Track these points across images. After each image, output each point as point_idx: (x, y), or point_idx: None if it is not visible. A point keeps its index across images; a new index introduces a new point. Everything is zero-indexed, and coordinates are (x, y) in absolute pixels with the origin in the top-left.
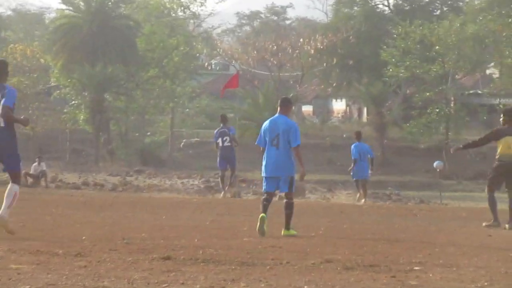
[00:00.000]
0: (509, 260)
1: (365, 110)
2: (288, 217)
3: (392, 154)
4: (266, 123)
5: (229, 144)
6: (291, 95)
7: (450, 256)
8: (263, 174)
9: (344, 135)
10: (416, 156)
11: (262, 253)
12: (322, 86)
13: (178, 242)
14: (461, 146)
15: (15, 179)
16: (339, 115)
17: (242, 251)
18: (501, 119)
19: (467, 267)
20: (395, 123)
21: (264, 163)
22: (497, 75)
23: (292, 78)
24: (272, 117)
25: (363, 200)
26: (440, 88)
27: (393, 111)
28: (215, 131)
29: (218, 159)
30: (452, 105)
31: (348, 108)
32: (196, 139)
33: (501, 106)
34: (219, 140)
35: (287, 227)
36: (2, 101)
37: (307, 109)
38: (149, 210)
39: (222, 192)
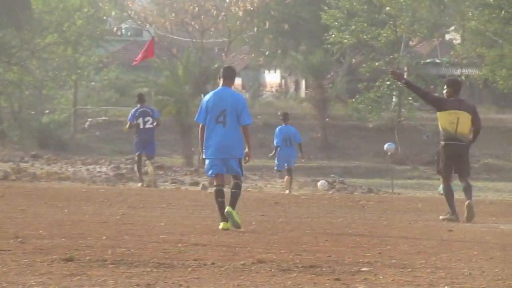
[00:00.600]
0: (473, 259)
1: (303, 83)
2: (235, 196)
3: (335, 135)
4: (208, 97)
5: (151, 126)
6: (215, 65)
7: (404, 255)
8: (207, 156)
9: (279, 113)
10: (363, 137)
11: (182, 252)
12: (253, 55)
13: (82, 241)
14: (403, 79)
15: None
16: (273, 89)
17: (159, 250)
18: (444, 91)
19: (424, 267)
20: (338, 98)
21: (207, 143)
22: (458, 41)
23: (217, 46)
24: (215, 90)
25: (287, 191)
26: (392, 56)
27: (336, 84)
28: (133, 110)
29: (135, 141)
30: (405, 76)
31: (283, 81)
32: (103, 118)
33: (463, 77)
34: (140, 121)
35: (233, 206)
36: None
37: (235, 82)
38: (48, 202)
39: (140, 183)
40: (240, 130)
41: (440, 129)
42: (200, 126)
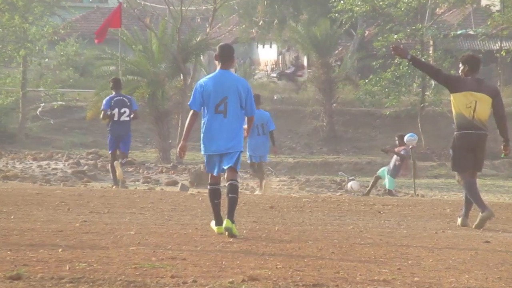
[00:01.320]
0: None
1: (305, 60)
2: (234, 203)
3: (343, 124)
4: (206, 82)
5: (127, 118)
6: (198, 38)
7: (428, 271)
8: (205, 152)
9: (276, 97)
10: (378, 127)
11: (157, 268)
12: (243, 26)
13: (33, 254)
14: (409, 55)
15: None
16: (268, 68)
17: (128, 265)
18: (460, 69)
19: (454, 287)
20: (348, 79)
21: (204, 136)
22: (497, 8)
23: (200, 15)
24: (213, 74)
25: (257, 192)
26: (414, 27)
27: (345, 62)
28: (107, 98)
29: (109, 137)
30: (431, 52)
31: (280, 57)
32: (59, 103)
33: (503, 53)
34: (115, 112)
35: (231, 217)
36: None
37: None
38: None
39: (114, 185)
40: (242, 121)
41: (454, 114)
42: (192, 112)
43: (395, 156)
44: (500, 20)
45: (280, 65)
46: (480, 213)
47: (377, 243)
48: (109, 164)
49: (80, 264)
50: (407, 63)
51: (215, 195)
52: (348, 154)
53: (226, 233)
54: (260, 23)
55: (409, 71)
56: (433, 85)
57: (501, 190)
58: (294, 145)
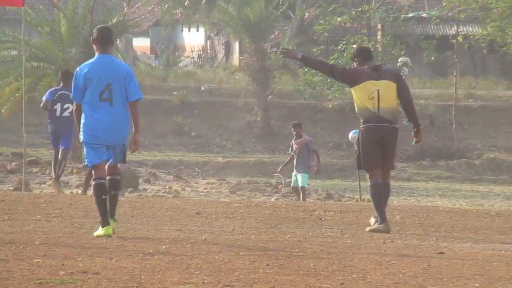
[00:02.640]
0: None
1: (236, 45)
2: (115, 200)
3: (280, 118)
4: (86, 68)
5: (68, 114)
6: (114, 20)
7: (375, 286)
8: (87, 140)
9: (203, 87)
10: (319, 123)
11: (66, 283)
12: (166, 6)
13: None
14: (299, 54)
15: None
16: (194, 54)
17: (32, 281)
18: (354, 63)
19: None
20: (285, 67)
21: (86, 124)
22: None
23: None
24: (93, 60)
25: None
26: (359, 9)
27: (282, 48)
28: (50, 90)
29: (50, 132)
30: (379, 37)
31: (209, 42)
32: None
33: (459, 38)
34: (57, 106)
35: (113, 214)
36: None
37: (140, 44)
38: None
39: (54, 187)
40: (127, 108)
41: (357, 110)
42: (75, 106)
43: (299, 151)
44: (457, 1)
45: (209, 51)
46: (377, 223)
47: (318, 255)
48: (53, 162)
49: None
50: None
51: (102, 190)
52: (285, 152)
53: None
54: (185, 3)
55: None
56: None
57: (457, 194)
58: (224, 142)
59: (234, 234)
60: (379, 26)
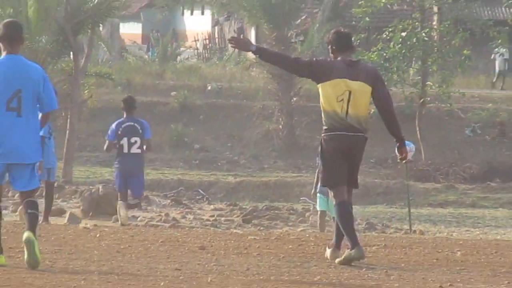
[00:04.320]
0: None
1: (252, 33)
2: (34, 219)
3: (307, 127)
4: None
5: (139, 151)
6: (95, 1)
7: None
8: None
9: (209, 87)
10: None
11: None
12: None
13: None
14: (253, 46)
15: None
16: (198, 44)
17: None
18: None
19: None
20: None
21: None
22: None
23: None
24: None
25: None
26: None
27: (311, 37)
28: (114, 124)
29: (116, 174)
30: (434, 23)
31: (217, 29)
32: None
33: None
34: (124, 142)
35: (34, 231)
36: None
37: (130, 31)
38: None
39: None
40: (38, 120)
41: (322, 112)
42: None
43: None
44: None
45: (217, 40)
46: (348, 250)
47: None
48: (118, 207)
49: None
50: (400, 41)
51: None
52: (314, 171)
53: (25, 246)
54: None
55: (403, 52)
56: (439, 72)
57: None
58: (236, 157)
59: (249, 275)
60: (435, 9)
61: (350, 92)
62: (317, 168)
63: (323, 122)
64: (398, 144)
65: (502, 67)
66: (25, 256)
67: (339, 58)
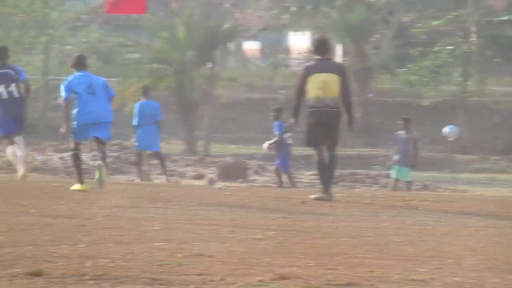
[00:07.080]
0: None
1: (339, 48)
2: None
3: (379, 115)
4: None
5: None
6: (227, 25)
7: (470, 271)
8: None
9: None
10: (416, 119)
11: (182, 265)
12: (275, 12)
13: (54, 249)
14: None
15: None
16: (300, 56)
17: (153, 262)
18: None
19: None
20: (384, 67)
21: None
22: None
23: (229, 0)
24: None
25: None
26: (455, 13)
27: (381, 50)
28: (278, 123)
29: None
30: (474, 39)
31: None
32: None
33: None
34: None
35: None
36: None
37: (251, 47)
38: (9, 200)
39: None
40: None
41: (308, 98)
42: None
43: (403, 143)
44: None
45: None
46: (321, 192)
47: (415, 241)
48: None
49: (103, 260)
50: (447, 52)
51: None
52: (383, 147)
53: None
54: (292, 9)
55: (450, 60)
56: (476, 75)
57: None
58: None
59: (336, 221)
60: (473, 29)
61: (324, 81)
62: (391, 145)
63: (308, 102)
64: (348, 120)
65: None
66: (96, 176)
67: (318, 57)
